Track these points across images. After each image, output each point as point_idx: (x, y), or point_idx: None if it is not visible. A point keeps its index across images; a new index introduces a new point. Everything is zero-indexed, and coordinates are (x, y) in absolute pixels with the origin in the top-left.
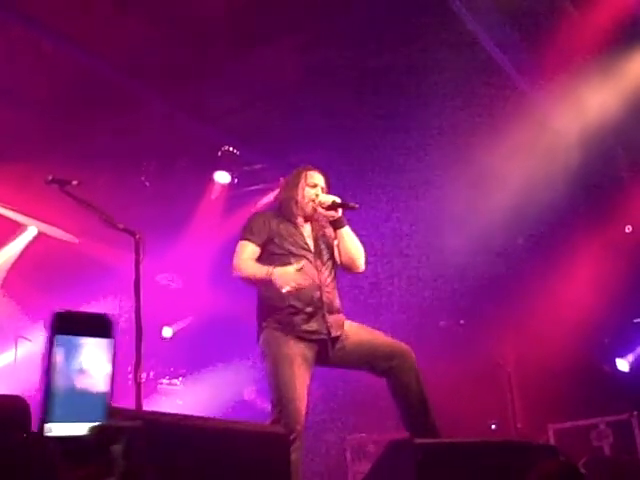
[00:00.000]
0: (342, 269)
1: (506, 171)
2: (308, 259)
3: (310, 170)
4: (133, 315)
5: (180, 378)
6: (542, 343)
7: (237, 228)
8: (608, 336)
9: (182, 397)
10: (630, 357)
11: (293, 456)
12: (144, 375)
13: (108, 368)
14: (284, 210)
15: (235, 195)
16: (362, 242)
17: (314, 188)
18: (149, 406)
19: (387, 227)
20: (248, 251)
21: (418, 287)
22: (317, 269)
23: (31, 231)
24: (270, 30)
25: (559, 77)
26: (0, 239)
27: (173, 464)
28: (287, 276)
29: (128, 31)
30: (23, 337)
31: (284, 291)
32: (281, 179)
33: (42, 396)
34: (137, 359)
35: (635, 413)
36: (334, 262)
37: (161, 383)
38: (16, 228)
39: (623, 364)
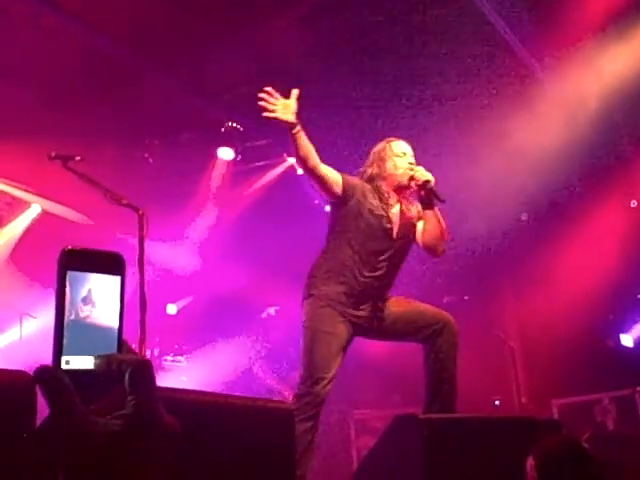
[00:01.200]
0: (423, 249)
1: (510, 147)
2: (382, 247)
3: (394, 140)
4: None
5: (184, 355)
6: (546, 319)
7: (241, 204)
8: (612, 312)
9: (186, 374)
10: (634, 333)
11: (309, 437)
12: (148, 352)
13: (119, 304)
14: (373, 186)
15: (238, 171)
16: None
17: (404, 157)
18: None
19: None
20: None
21: (422, 263)
22: (389, 258)
23: (34, 209)
24: (273, 3)
25: (567, 52)
26: (4, 216)
27: (188, 440)
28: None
29: (130, 4)
30: (28, 314)
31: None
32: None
33: (55, 330)
34: (142, 335)
35: (638, 388)
36: (410, 246)
37: (165, 360)
38: (20, 205)
39: (627, 339)
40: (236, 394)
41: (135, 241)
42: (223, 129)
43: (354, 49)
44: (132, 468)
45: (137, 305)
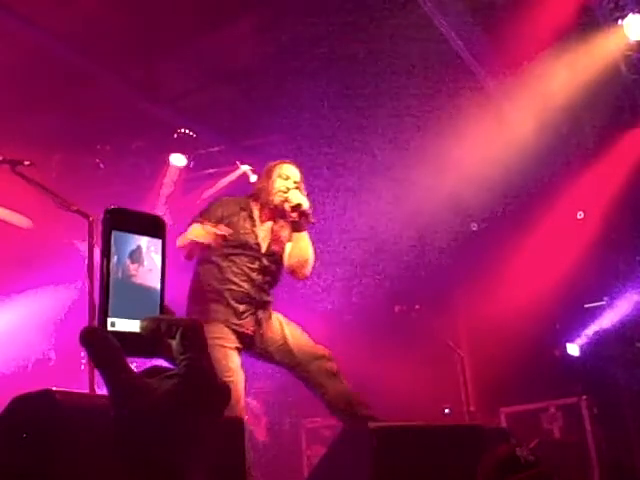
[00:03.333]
0: (287, 272)
1: (461, 158)
2: (250, 257)
3: (286, 163)
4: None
5: (134, 364)
6: (495, 328)
7: (192, 212)
8: (559, 321)
9: None
10: (580, 342)
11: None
12: None
13: (160, 267)
14: (255, 202)
15: (191, 178)
16: (317, 226)
17: (287, 180)
18: (104, 390)
19: (341, 212)
20: (196, 228)
21: (373, 273)
22: (259, 269)
23: None
24: (227, 10)
25: (516, 66)
26: None
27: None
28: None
29: (82, 8)
30: None
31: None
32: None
33: (100, 291)
34: None
35: (584, 397)
36: (281, 264)
37: None
38: None
39: (573, 349)
40: None
41: (84, 247)
42: (175, 135)
43: (307, 58)
44: (188, 426)
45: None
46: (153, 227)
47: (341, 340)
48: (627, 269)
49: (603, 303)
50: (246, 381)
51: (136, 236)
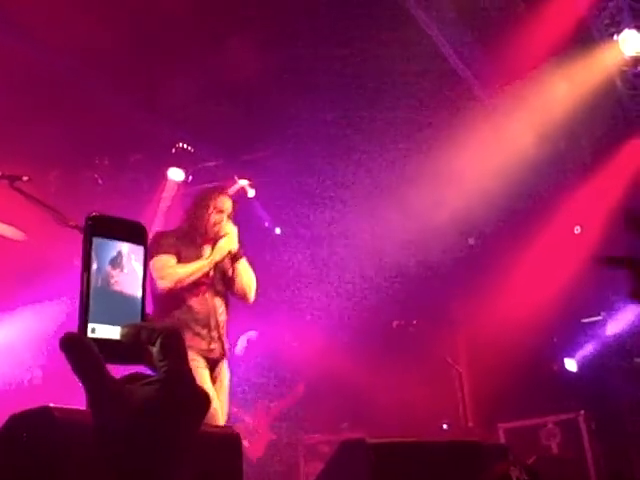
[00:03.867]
0: (234, 298)
1: (459, 173)
2: (206, 285)
3: (220, 195)
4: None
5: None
6: (493, 343)
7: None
8: (557, 336)
9: None
10: (578, 357)
11: None
12: None
13: (141, 274)
14: (191, 231)
15: (189, 193)
16: (316, 241)
17: (220, 214)
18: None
19: (340, 227)
20: (165, 261)
21: (371, 288)
22: (214, 295)
23: None
24: (226, 27)
25: (513, 81)
26: None
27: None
28: (225, 247)
29: (81, 25)
30: None
31: (233, 248)
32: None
33: (80, 297)
34: None
35: (582, 412)
36: (227, 290)
37: None
38: None
39: (571, 364)
40: None
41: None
42: (174, 150)
43: (305, 74)
44: (170, 431)
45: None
46: (135, 234)
47: (339, 355)
48: (625, 283)
49: (600, 318)
50: (241, 397)
51: (117, 242)
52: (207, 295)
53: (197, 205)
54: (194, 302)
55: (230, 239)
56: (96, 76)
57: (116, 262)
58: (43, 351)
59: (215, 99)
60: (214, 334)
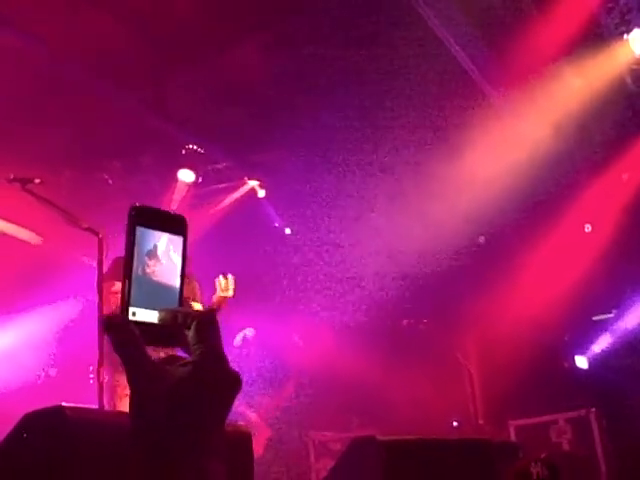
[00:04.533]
0: None
1: (470, 173)
2: None
3: None
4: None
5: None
6: (503, 341)
7: (202, 228)
8: (568, 334)
9: None
10: (589, 354)
11: None
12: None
13: (180, 263)
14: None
15: (199, 194)
16: (326, 241)
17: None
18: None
19: (351, 227)
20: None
21: (382, 287)
22: None
23: None
24: (235, 29)
25: (523, 81)
26: None
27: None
28: None
29: (92, 28)
30: None
31: None
32: None
33: (123, 282)
34: (100, 358)
35: (593, 409)
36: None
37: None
38: None
39: (582, 361)
40: None
41: (94, 263)
42: (184, 151)
43: (314, 76)
44: (201, 409)
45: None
46: (175, 225)
47: (350, 353)
48: (636, 281)
49: (611, 315)
50: (247, 393)
51: (158, 233)
52: None
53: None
54: None
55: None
56: (106, 79)
57: (157, 251)
58: (56, 350)
59: (225, 100)
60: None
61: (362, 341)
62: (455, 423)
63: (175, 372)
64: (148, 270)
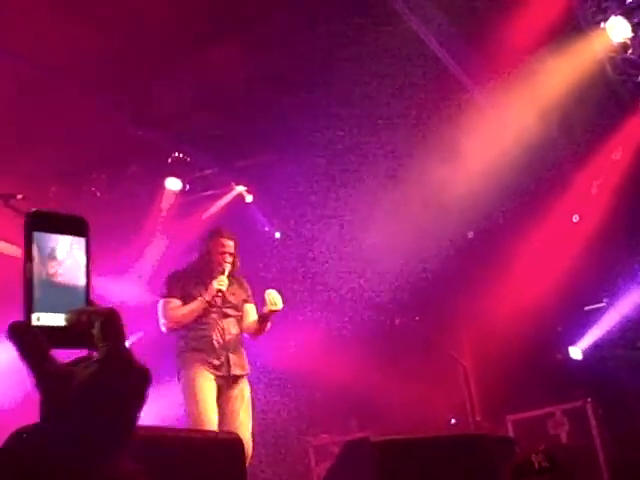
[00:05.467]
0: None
1: (454, 169)
2: (214, 313)
3: (222, 237)
4: None
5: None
6: (496, 335)
7: (190, 235)
8: (560, 325)
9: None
10: (582, 345)
11: None
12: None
13: (85, 264)
14: (198, 271)
15: (187, 202)
16: (316, 243)
17: (222, 255)
18: None
19: (339, 228)
20: (170, 304)
21: (373, 285)
22: (222, 318)
23: None
24: (216, 33)
25: (503, 73)
26: None
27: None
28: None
29: (71, 36)
30: None
31: (222, 287)
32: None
33: (24, 288)
34: None
35: (589, 400)
36: (240, 316)
37: None
38: None
39: (576, 352)
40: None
41: None
42: (170, 160)
43: (296, 79)
44: (109, 408)
45: None
46: (76, 226)
47: (343, 354)
48: (626, 269)
49: (603, 305)
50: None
51: (59, 236)
52: (216, 320)
53: (202, 246)
54: (202, 329)
55: (220, 280)
56: (88, 91)
57: (58, 254)
58: None
59: (208, 107)
60: (221, 355)
61: (356, 342)
62: (453, 420)
63: (82, 372)
64: (51, 272)
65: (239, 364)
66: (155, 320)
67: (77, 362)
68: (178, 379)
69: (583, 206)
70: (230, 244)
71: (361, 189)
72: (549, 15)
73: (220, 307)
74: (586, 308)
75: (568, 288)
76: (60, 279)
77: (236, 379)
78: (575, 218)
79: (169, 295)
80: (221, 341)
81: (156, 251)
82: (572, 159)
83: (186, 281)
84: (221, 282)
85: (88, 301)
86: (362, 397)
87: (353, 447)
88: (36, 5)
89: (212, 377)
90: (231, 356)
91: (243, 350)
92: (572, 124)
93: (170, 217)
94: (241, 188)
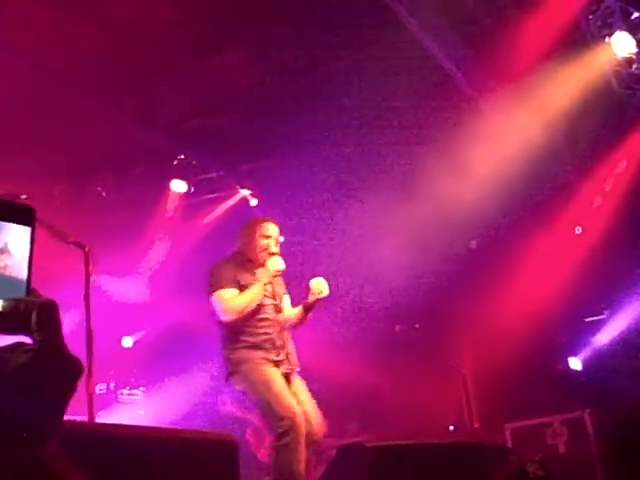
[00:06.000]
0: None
1: (458, 179)
2: (269, 307)
3: (266, 222)
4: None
5: (141, 388)
6: (496, 344)
7: (194, 238)
8: (561, 336)
9: (143, 407)
10: (582, 356)
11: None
12: (104, 386)
13: (27, 254)
14: (243, 258)
15: (192, 204)
16: (318, 248)
17: (268, 239)
18: (109, 417)
19: (342, 233)
20: (228, 294)
21: (373, 293)
22: (276, 313)
23: None
24: (222, 36)
25: (508, 84)
26: None
27: (113, 476)
28: (271, 268)
29: (77, 38)
30: None
31: (281, 267)
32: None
33: None
34: (88, 370)
35: (588, 410)
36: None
37: (122, 393)
38: None
39: (576, 363)
40: (191, 427)
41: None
42: (175, 162)
43: (302, 80)
44: (38, 397)
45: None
46: (22, 214)
47: (344, 361)
48: (628, 281)
49: (604, 316)
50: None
51: (5, 224)
52: (273, 315)
53: (245, 233)
54: (260, 325)
55: (275, 260)
56: (95, 91)
57: (7, 247)
58: None
59: (214, 110)
60: (281, 351)
61: (356, 348)
62: (451, 427)
63: (15, 359)
64: (1, 264)
65: (294, 359)
66: (156, 319)
67: (13, 348)
68: (231, 376)
69: (586, 217)
70: (276, 229)
71: (365, 196)
72: (555, 27)
73: (273, 300)
74: (587, 319)
75: (569, 299)
76: (5, 270)
77: (293, 374)
78: (578, 230)
79: (224, 286)
80: (279, 337)
81: (160, 252)
82: (576, 170)
83: (234, 271)
84: (277, 263)
85: (29, 290)
86: (361, 401)
87: (347, 451)
88: (39, 5)
89: (278, 372)
90: (289, 352)
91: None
92: (577, 135)
93: (175, 219)
94: (246, 192)
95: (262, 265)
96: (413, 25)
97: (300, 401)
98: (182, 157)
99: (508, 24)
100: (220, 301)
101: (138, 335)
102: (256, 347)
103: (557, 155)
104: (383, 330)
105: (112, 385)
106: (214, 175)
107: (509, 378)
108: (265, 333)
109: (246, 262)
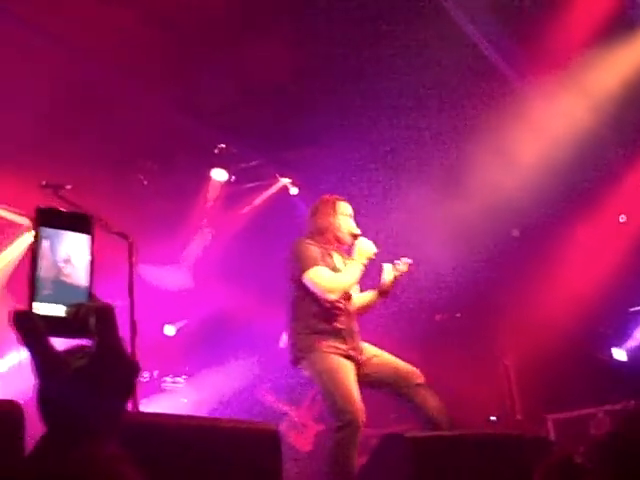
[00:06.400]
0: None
1: (500, 166)
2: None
3: (341, 200)
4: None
5: (184, 376)
6: (539, 334)
7: (235, 226)
8: (604, 325)
9: (187, 395)
10: (627, 346)
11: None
12: (147, 374)
13: (88, 260)
14: (320, 238)
15: (233, 192)
16: (366, 234)
17: (351, 218)
18: (153, 405)
19: (383, 222)
20: (324, 271)
21: (414, 281)
22: (347, 301)
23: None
24: (264, 26)
25: (551, 70)
26: (3, 240)
27: (157, 465)
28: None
29: (121, 29)
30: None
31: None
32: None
33: (29, 279)
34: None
35: (632, 401)
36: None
37: (165, 381)
38: (17, 230)
39: (619, 353)
40: (236, 416)
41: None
42: (216, 150)
43: (342, 71)
44: (99, 396)
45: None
46: (82, 224)
47: (383, 349)
48: None
49: None
50: (290, 391)
51: (64, 232)
52: (343, 303)
53: (324, 213)
54: (333, 313)
55: (368, 242)
56: (139, 80)
57: (62, 250)
58: None
59: (255, 98)
60: (354, 342)
61: (396, 338)
62: (493, 418)
63: (75, 361)
64: (60, 270)
65: (360, 348)
66: (198, 307)
67: (73, 351)
68: (299, 362)
69: (631, 206)
70: (351, 209)
71: (409, 184)
72: (600, 10)
73: None
74: (631, 309)
75: (613, 288)
76: (67, 277)
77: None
78: (622, 218)
79: (318, 263)
80: (351, 326)
81: (201, 241)
82: (622, 156)
83: (318, 252)
84: (371, 245)
85: (90, 296)
86: None
87: (388, 441)
88: None
89: (351, 366)
90: (359, 342)
91: None
92: (624, 120)
93: (216, 207)
94: (286, 180)
95: (342, 245)
96: (456, 13)
97: (386, 359)
98: (223, 146)
99: (552, 9)
100: (318, 278)
101: (180, 323)
102: (327, 335)
103: (602, 140)
104: (423, 319)
105: (156, 373)
106: (255, 164)
107: (552, 368)
108: (337, 321)
109: (324, 243)
